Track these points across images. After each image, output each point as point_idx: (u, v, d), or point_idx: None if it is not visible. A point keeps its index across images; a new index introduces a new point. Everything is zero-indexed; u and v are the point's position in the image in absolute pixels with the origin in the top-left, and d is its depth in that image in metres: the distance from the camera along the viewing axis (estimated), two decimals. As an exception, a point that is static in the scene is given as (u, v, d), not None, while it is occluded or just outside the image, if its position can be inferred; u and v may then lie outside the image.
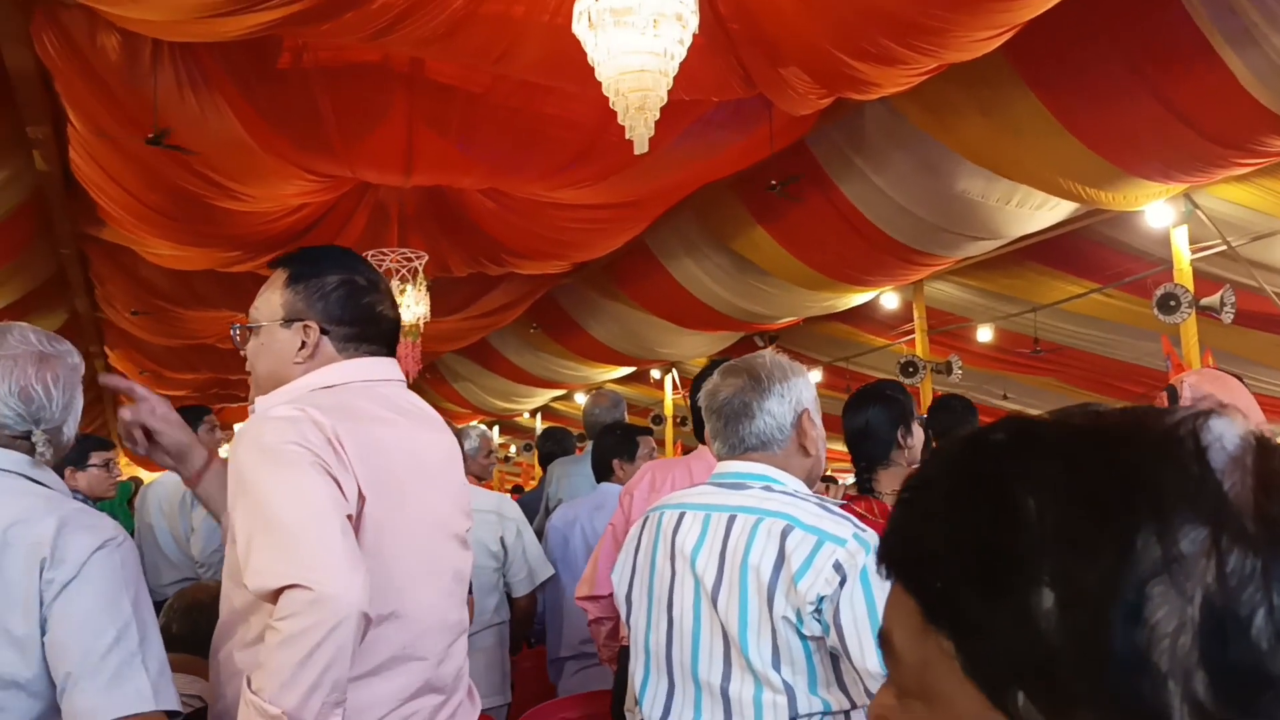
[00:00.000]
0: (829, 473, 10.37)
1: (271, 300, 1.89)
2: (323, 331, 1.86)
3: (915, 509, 0.56)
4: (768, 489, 1.92)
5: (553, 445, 5.38)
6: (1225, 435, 0.50)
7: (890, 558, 0.57)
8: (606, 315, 9.76)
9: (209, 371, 11.84)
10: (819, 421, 2.02)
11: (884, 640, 0.58)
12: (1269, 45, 4.15)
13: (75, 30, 4.54)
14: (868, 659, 1.71)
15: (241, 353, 1.95)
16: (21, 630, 1.56)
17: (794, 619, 1.78)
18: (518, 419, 16.51)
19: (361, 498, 1.65)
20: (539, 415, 15.79)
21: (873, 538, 1.78)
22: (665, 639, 1.94)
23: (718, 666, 1.85)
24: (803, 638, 1.79)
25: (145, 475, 15.31)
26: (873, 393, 3.07)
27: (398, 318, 1.98)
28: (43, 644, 1.57)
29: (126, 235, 6.94)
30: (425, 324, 7.47)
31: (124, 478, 8.00)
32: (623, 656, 2.95)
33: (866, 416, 2.96)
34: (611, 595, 3.03)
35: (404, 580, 1.69)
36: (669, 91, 3.61)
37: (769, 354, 2.07)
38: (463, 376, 13.58)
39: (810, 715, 1.80)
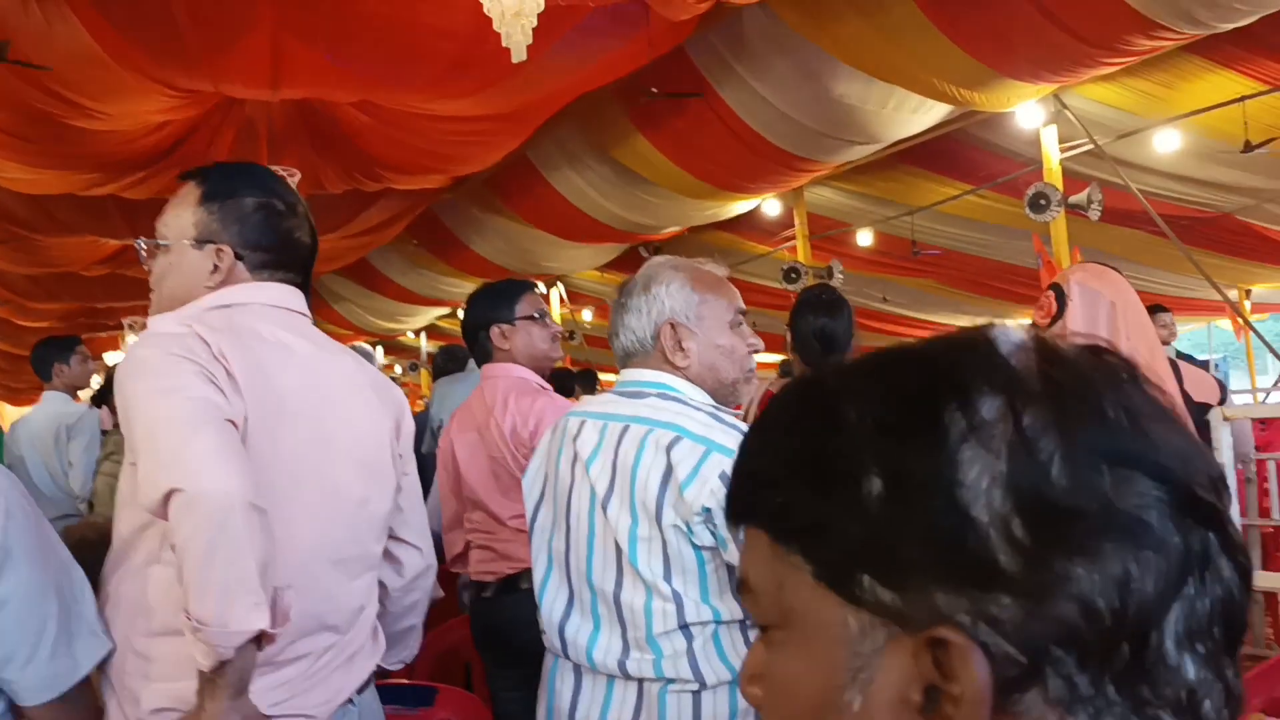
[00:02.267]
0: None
1: (182, 217, 1.78)
2: (237, 256, 1.76)
3: (753, 447, 0.62)
4: (663, 396, 1.89)
5: (450, 363, 5.28)
6: (1010, 331, 0.58)
7: (736, 506, 0.62)
8: (490, 230, 9.61)
9: (74, 300, 11.35)
10: (702, 329, 1.91)
11: (743, 585, 0.62)
12: (1134, -56, 4.23)
13: (-101, -65, 4.21)
14: None
15: (145, 268, 1.84)
16: None
17: (684, 528, 1.77)
18: (401, 338, 16.28)
19: (245, 420, 1.59)
20: (424, 334, 15.59)
21: None
22: (565, 544, 1.94)
23: (610, 573, 1.85)
24: (695, 548, 1.79)
25: (10, 411, 14.70)
26: (835, 299, 3.15)
27: (314, 243, 1.89)
28: None
29: (-26, 159, 6.53)
30: (302, 244, 7.25)
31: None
32: (475, 587, 2.97)
33: (823, 322, 3.05)
34: (466, 546, 3.04)
35: (280, 508, 1.61)
36: (545, -3, 3.52)
37: (648, 263, 2.01)
38: (343, 298, 13.28)
39: (701, 623, 1.81)
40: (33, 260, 9.31)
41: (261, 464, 1.59)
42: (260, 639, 1.46)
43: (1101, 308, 2.75)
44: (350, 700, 1.78)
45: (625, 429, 1.86)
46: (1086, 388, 0.54)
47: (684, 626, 1.81)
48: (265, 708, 1.59)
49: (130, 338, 12.34)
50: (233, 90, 5.60)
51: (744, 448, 0.62)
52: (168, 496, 1.44)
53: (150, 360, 1.57)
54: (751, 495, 0.61)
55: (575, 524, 1.92)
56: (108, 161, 6.49)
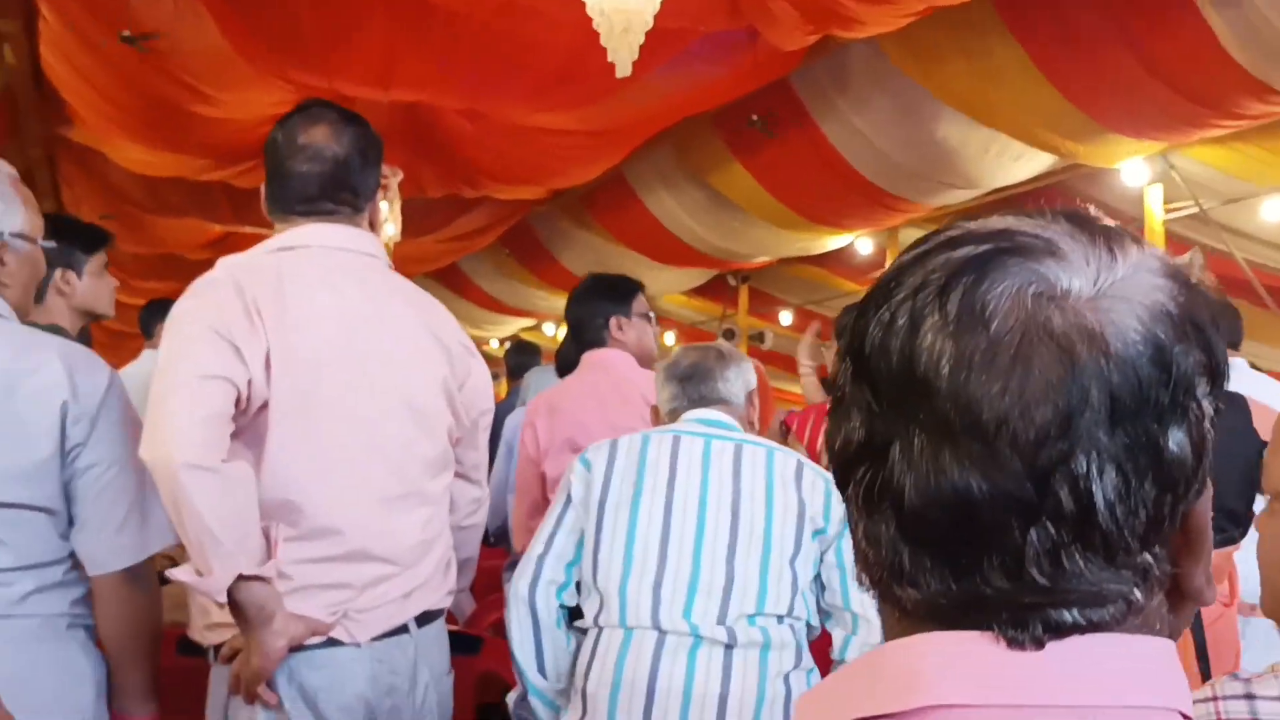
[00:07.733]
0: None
1: None
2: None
3: None
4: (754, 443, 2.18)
5: (525, 357, 5.48)
6: None
7: None
8: (580, 245, 9.70)
9: (176, 281, 11.69)
10: (758, 405, 2.37)
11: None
12: (1250, 6, 4.15)
13: (48, -80, 4.43)
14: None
15: None
16: (39, 466, 1.60)
17: (818, 532, 2.06)
18: (484, 347, 16.47)
19: (269, 367, 1.68)
20: (508, 345, 15.71)
21: None
22: (663, 525, 2.03)
23: (720, 567, 2.00)
24: (815, 534, 2.06)
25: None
26: None
27: (333, 165, 1.92)
28: (63, 480, 1.63)
29: (96, 137, 6.81)
30: (395, 245, 7.39)
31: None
32: None
33: None
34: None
35: (312, 447, 1.72)
36: (654, 17, 3.57)
37: (727, 345, 2.45)
38: (433, 300, 13.48)
39: (794, 618, 2.04)
40: (140, 239, 9.64)
41: (290, 406, 1.69)
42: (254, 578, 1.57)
43: None
44: (405, 629, 1.82)
45: (740, 447, 2.11)
46: None
47: (787, 614, 2.02)
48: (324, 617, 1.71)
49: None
50: (345, 88, 5.77)
51: None
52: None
53: (179, 313, 1.71)
54: None
55: (681, 509, 2.05)
56: (221, 149, 6.71)
